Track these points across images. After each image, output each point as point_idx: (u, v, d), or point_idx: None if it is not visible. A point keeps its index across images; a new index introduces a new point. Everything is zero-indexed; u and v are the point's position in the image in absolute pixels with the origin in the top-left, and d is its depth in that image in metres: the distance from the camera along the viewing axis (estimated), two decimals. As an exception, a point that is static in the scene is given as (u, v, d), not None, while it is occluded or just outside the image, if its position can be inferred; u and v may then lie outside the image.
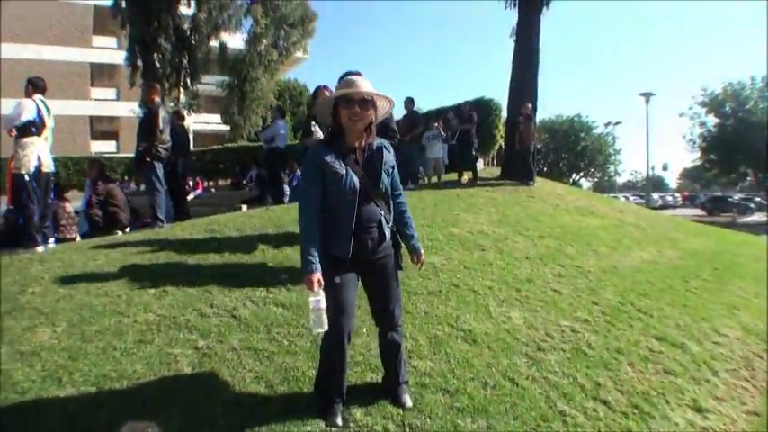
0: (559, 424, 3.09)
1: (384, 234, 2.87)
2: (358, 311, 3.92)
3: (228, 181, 21.70)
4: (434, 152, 12.82)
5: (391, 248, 2.97)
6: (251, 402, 2.96)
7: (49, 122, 6.52)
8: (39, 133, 6.38)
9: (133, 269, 5.05)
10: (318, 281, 2.65)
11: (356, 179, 2.75)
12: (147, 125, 7.61)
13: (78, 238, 8.32)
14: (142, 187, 11.93)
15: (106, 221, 8.21)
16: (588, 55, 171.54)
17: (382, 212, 2.86)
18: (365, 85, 2.79)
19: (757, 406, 3.94)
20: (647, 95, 28.66)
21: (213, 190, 21.70)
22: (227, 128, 27.20)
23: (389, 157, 2.93)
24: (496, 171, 14.45)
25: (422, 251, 3.11)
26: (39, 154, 6.35)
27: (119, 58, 26.92)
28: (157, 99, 8.09)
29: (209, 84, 25.99)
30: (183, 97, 23.31)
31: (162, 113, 7.69)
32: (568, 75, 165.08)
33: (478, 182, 12.41)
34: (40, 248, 6.24)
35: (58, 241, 7.14)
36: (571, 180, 49.08)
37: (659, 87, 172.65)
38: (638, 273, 6.62)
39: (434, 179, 13.07)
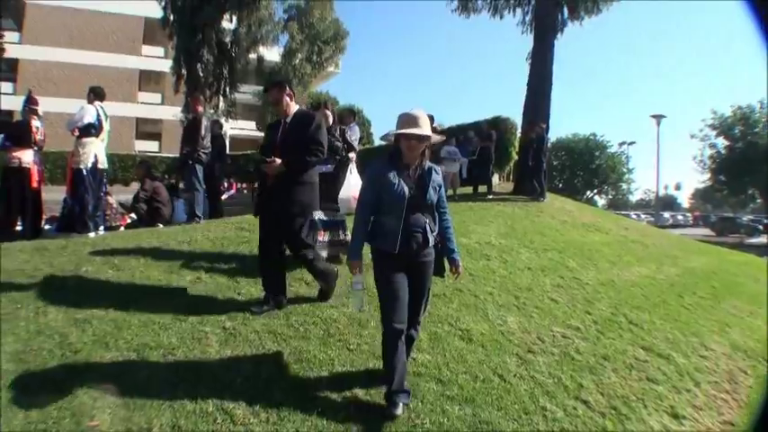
0: (539, 417, 3.25)
1: (428, 239, 3.15)
2: (369, 307, 4.17)
3: (261, 184, 22.10)
4: (451, 167, 12.96)
5: (433, 254, 3.26)
6: (268, 377, 3.21)
7: (106, 126, 7.21)
8: (97, 135, 7.08)
9: (172, 258, 5.35)
10: (359, 267, 3.16)
11: (406, 189, 3.07)
12: (191, 132, 8.11)
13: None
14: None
15: (150, 215, 8.63)
16: (603, 76, 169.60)
17: (427, 221, 3.16)
18: (424, 124, 3.12)
19: (734, 417, 4.02)
20: (659, 117, 28.39)
21: (245, 191, 22.14)
22: (262, 134, 27.65)
23: (437, 177, 3.24)
24: (510, 186, 14.55)
25: (460, 263, 3.38)
26: (96, 152, 7.01)
27: (165, 66, 27.79)
28: (201, 108, 8.58)
29: (247, 93, 26.65)
30: (222, 104, 23.89)
31: (204, 122, 8.20)
32: (584, 95, 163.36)
33: (492, 196, 12.52)
34: (92, 234, 6.80)
35: (106, 229, 7.56)
36: (585, 197, 48.56)
37: (671, 110, 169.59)
38: (634, 287, 6.69)
39: (449, 192, 13.12)
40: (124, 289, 4.45)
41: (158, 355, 3.37)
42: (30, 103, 7.30)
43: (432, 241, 3.19)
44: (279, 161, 4.10)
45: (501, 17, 16.61)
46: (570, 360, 4.20)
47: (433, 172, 3.22)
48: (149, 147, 35.54)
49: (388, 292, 3.05)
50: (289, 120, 4.33)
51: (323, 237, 5.29)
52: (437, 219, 3.28)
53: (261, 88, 25.82)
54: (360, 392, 3.13)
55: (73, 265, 4.98)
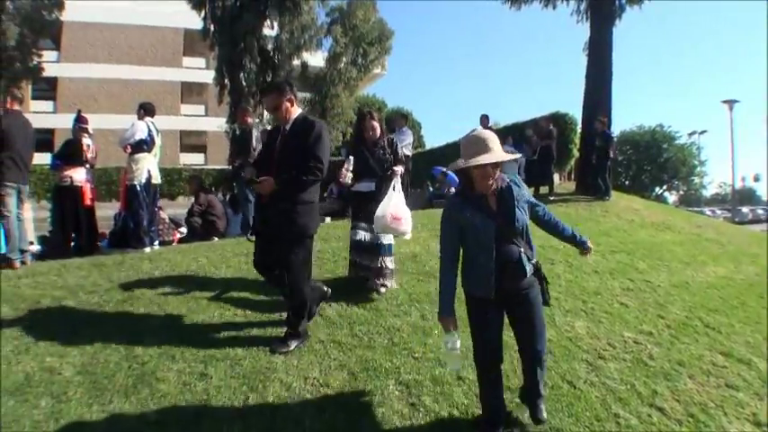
0: (612, 425, 3.35)
1: (525, 271, 2.99)
2: (431, 315, 4.39)
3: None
4: (511, 167, 12.92)
5: (535, 282, 3.08)
6: (336, 385, 3.46)
7: (158, 141, 7.60)
8: (149, 150, 7.50)
9: (231, 270, 5.71)
10: (453, 324, 3.00)
11: (492, 226, 2.91)
12: (242, 143, 8.51)
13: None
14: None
15: (205, 228, 9.10)
16: (666, 61, 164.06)
17: (522, 249, 2.98)
18: (495, 146, 2.92)
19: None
20: (731, 102, 27.40)
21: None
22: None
23: (521, 191, 3.05)
24: (572, 186, 14.45)
25: (588, 243, 3.29)
26: (149, 168, 7.46)
27: (207, 77, 28.91)
28: (250, 120, 8.98)
29: (291, 100, 27.24)
30: (266, 114, 24.59)
31: (255, 133, 8.53)
32: (647, 83, 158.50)
33: (554, 197, 12.49)
34: (147, 249, 7.25)
35: (159, 244, 8.06)
36: (654, 194, 47.06)
37: (744, 93, 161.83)
38: (710, 289, 6.62)
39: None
40: (186, 301, 4.81)
41: (225, 366, 3.66)
42: (79, 121, 7.79)
43: (530, 270, 3.01)
44: (270, 181, 3.87)
45: (554, 7, 16.54)
46: (643, 366, 4.26)
47: (514, 187, 3.02)
48: (194, 159, 36.77)
49: (481, 335, 3.04)
50: (288, 127, 4.09)
51: (364, 260, 5.19)
52: (530, 239, 3.07)
53: (307, 95, 26.55)
54: (427, 400, 3.34)
55: (133, 280, 5.38)
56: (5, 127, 6.05)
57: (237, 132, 10.30)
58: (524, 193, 3.09)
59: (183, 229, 9.87)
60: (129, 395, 3.25)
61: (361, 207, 5.24)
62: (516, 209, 2.96)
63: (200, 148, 38.22)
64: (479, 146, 2.90)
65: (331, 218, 11.26)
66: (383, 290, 5.11)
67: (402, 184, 5.31)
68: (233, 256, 6.25)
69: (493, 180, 2.93)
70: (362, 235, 5.18)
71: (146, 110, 7.66)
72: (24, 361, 3.64)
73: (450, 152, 20.64)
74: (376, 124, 5.26)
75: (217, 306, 4.72)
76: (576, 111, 15.74)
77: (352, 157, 5.34)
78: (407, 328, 4.34)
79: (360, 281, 5.23)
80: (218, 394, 3.29)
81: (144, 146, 7.43)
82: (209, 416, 3.08)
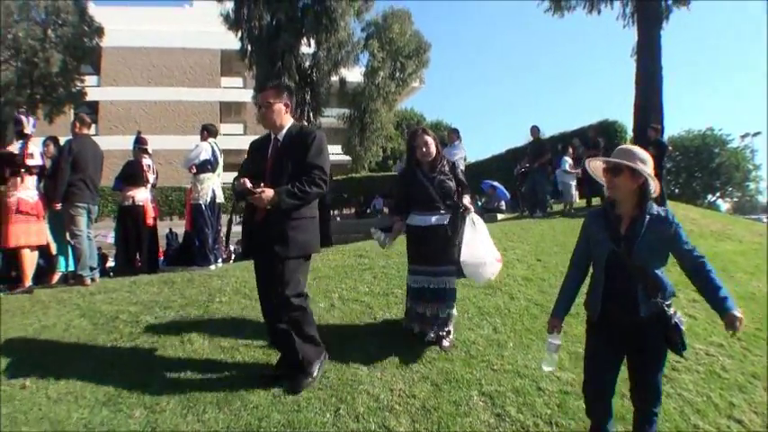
0: (694, 436, 3.43)
1: (638, 309, 2.76)
2: (504, 328, 4.50)
3: (352, 210, 22.98)
4: (567, 178, 12.79)
5: (656, 326, 2.79)
6: (422, 396, 3.61)
7: (220, 161, 7.92)
8: (213, 170, 7.92)
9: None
10: (557, 327, 3.01)
11: (607, 248, 2.81)
12: None
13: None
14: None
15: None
16: (713, 60, 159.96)
17: (640, 285, 2.76)
18: (620, 153, 2.84)
19: None
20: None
21: (338, 219, 23.07)
22: (348, 158, 28.79)
23: (666, 228, 2.79)
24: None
25: (738, 315, 2.62)
26: (213, 187, 7.85)
27: (245, 95, 29.73)
28: None
29: (330, 116, 27.87)
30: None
31: None
32: (693, 85, 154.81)
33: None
34: (212, 266, 7.56)
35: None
36: (707, 201, 45.68)
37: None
38: (778, 299, 6.54)
39: (564, 206, 12.84)
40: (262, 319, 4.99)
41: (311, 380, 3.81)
42: (139, 142, 8.18)
43: (644, 311, 2.75)
44: (270, 191, 3.47)
45: (599, 12, 16.56)
46: (717, 378, 4.30)
47: (658, 223, 2.78)
48: (233, 178, 37.62)
49: (587, 363, 3.01)
50: (281, 136, 3.74)
51: (422, 308, 4.42)
52: (661, 278, 2.80)
53: (345, 111, 27.00)
54: (512, 410, 3.46)
55: (205, 296, 5.59)
56: (76, 150, 6.42)
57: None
58: (671, 232, 2.80)
59: (232, 247, 10.16)
60: (222, 406, 3.43)
61: (420, 245, 4.45)
62: (639, 242, 2.76)
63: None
64: (616, 154, 2.85)
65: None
66: (447, 344, 4.34)
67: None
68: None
69: (616, 190, 2.83)
70: (424, 281, 4.38)
71: (208, 131, 8.10)
72: (112, 374, 3.87)
73: (495, 165, 20.69)
74: (430, 141, 4.47)
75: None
76: (624, 118, 15.66)
77: (381, 199, 5.09)
78: (482, 341, 4.47)
79: (416, 336, 4.50)
80: (308, 405, 3.46)
81: (208, 166, 7.84)
82: (304, 426, 3.24)
